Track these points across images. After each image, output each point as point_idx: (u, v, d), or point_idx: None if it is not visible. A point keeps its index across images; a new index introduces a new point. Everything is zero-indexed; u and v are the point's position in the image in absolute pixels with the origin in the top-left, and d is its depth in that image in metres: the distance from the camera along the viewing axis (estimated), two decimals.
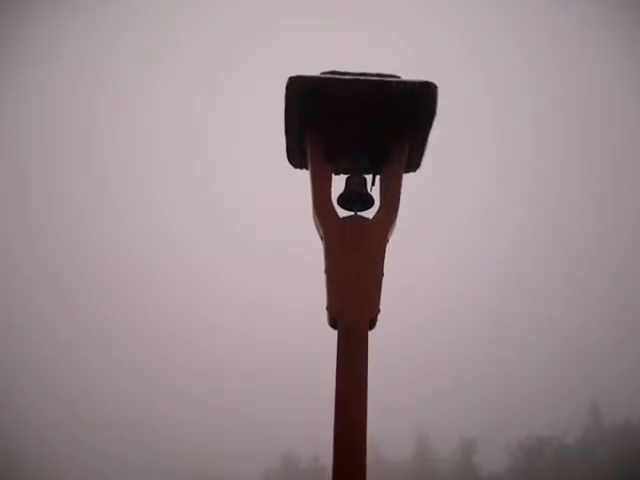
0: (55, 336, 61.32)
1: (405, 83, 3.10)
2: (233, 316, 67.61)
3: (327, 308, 3.06)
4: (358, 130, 3.21)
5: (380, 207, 3.17)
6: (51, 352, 59.48)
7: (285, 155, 3.36)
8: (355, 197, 3.22)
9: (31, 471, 45.79)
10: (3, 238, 65.24)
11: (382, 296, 3.09)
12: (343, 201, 3.24)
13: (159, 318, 67.59)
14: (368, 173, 3.29)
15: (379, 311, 3.05)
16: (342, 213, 3.18)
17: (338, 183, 3.25)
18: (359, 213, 3.20)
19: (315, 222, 3.17)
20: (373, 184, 3.29)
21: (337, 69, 3.12)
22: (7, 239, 65.60)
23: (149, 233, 79.04)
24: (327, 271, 3.07)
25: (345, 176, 3.31)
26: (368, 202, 3.23)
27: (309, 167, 3.21)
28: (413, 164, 3.35)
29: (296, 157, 3.34)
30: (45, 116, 77.91)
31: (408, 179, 3.33)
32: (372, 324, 3.04)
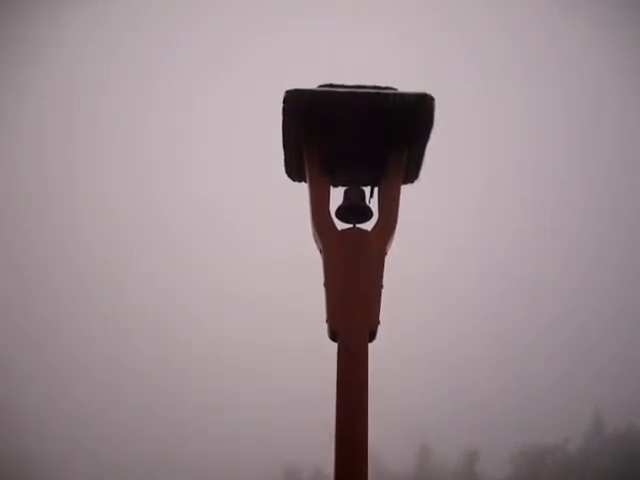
0: (55, 337, 61.42)
1: (402, 95, 3.11)
2: (233, 320, 67.66)
3: (327, 321, 3.07)
4: (356, 142, 3.22)
5: (378, 219, 3.17)
6: (51, 354, 59.58)
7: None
8: (353, 210, 3.23)
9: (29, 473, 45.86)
10: (2, 238, 65.31)
11: (382, 308, 3.10)
12: (341, 214, 3.24)
13: (158, 319, 67.59)
14: (366, 185, 3.30)
15: (379, 323, 3.06)
16: (340, 226, 3.19)
17: (337, 195, 3.26)
18: (357, 225, 3.21)
19: (314, 235, 3.18)
20: (372, 196, 3.30)
21: (337, 73, 3.14)
22: (7, 239, 65.65)
23: (149, 233, 79.08)
24: (326, 284, 3.08)
25: (343, 188, 3.31)
26: (366, 214, 3.24)
27: (307, 180, 3.22)
28: (411, 175, 3.35)
29: (294, 170, 3.35)
30: (44, 116, 78.01)
31: (406, 189, 3.34)
32: (372, 336, 3.05)
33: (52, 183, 75.88)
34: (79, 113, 79.91)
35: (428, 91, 3.09)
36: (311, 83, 3.17)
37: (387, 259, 3.17)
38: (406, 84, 3.20)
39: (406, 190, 3.31)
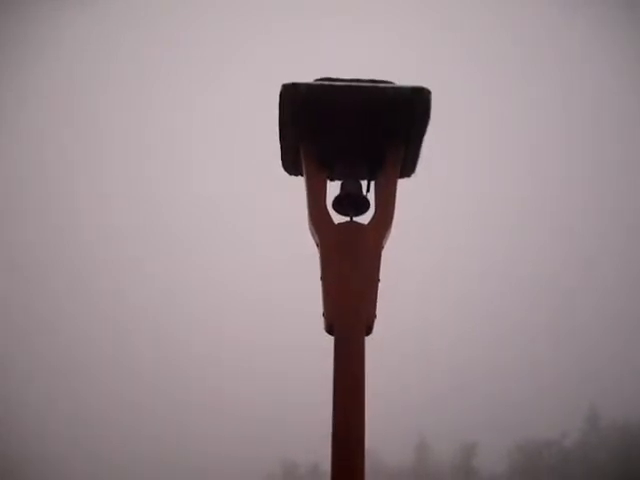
0: (55, 337, 61.40)
1: (398, 89, 3.11)
2: (232, 319, 67.65)
3: (323, 315, 3.08)
4: (352, 136, 3.23)
5: (375, 213, 3.18)
6: (51, 354, 59.57)
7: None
8: (351, 200, 3.23)
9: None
10: (3, 239, 65.27)
11: (379, 302, 3.10)
12: (338, 205, 3.25)
13: (157, 319, 67.55)
14: (363, 179, 3.31)
15: (375, 317, 3.07)
16: (337, 219, 3.21)
17: (333, 189, 3.27)
18: (354, 219, 3.22)
19: (310, 229, 3.19)
20: (368, 190, 3.31)
21: (334, 70, 3.14)
22: (6, 240, 65.61)
23: (149, 233, 79.07)
24: (323, 278, 3.09)
25: (339, 182, 3.31)
26: (364, 206, 3.24)
27: (304, 174, 3.22)
28: (408, 169, 3.36)
29: (291, 164, 3.36)
30: (44, 116, 77.97)
31: (405, 184, 3.34)
32: (369, 330, 3.06)
33: (52, 183, 75.87)
34: (79, 113, 79.91)
35: (424, 80, 3.10)
36: (309, 75, 3.17)
37: (384, 253, 3.18)
38: (406, 81, 3.20)
39: (405, 185, 3.32)
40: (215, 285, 72.74)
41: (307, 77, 3.13)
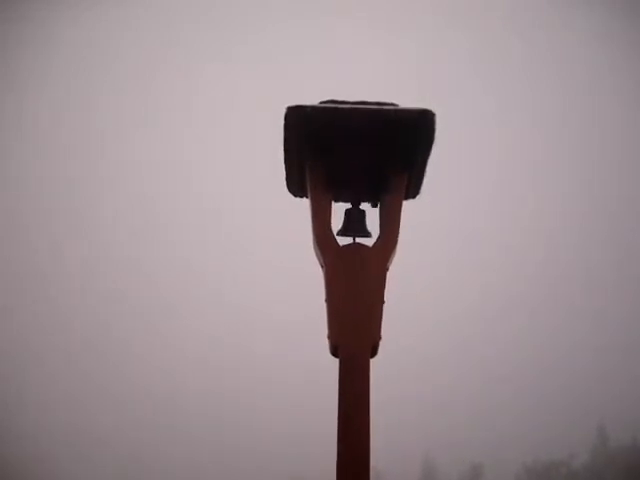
0: (54, 338, 61.31)
1: (403, 111, 3.12)
2: (239, 331, 67.52)
3: (328, 337, 3.09)
4: (357, 158, 3.24)
5: (380, 235, 3.20)
6: (51, 362, 59.51)
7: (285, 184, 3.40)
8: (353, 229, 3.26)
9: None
10: (2, 240, 65.32)
11: (384, 323, 3.11)
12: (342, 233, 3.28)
13: (162, 331, 67.45)
14: (368, 201, 3.33)
15: (380, 338, 3.08)
16: (342, 240, 3.22)
17: (338, 209, 3.28)
18: (358, 240, 3.24)
19: (315, 251, 3.20)
20: (374, 206, 3.35)
21: (340, 87, 3.16)
22: (6, 242, 65.65)
23: (148, 235, 78.94)
24: (328, 300, 3.10)
25: (342, 203, 3.35)
26: (366, 234, 3.28)
27: (309, 196, 3.24)
28: (413, 191, 3.38)
29: (296, 186, 3.38)
30: (44, 115, 78.22)
31: (408, 203, 3.35)
32: (374, 352, 3.07)
33: (52, 183, 75.98)
34: (79, 113, 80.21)
35: (428, 101, 3.12)
36: (314, 97, 3.19)
37: (389, 274, 3.19)
38: (404, 91, 3.21)
39: (407, 204, 3.33)
40: (220, 299, 72.67)
41: (307, 77, 3.12)
